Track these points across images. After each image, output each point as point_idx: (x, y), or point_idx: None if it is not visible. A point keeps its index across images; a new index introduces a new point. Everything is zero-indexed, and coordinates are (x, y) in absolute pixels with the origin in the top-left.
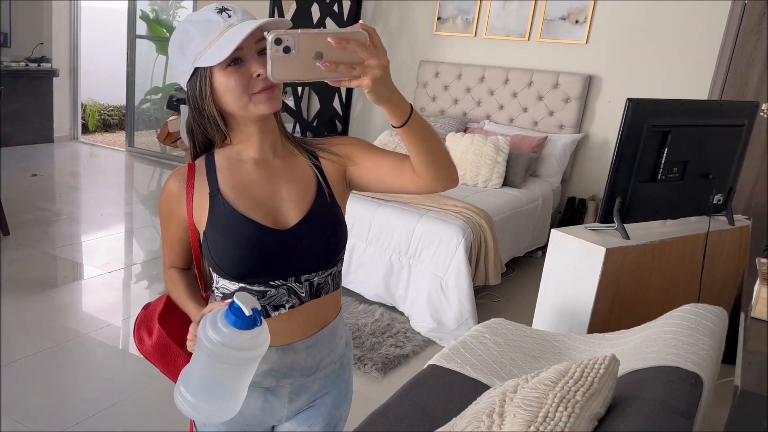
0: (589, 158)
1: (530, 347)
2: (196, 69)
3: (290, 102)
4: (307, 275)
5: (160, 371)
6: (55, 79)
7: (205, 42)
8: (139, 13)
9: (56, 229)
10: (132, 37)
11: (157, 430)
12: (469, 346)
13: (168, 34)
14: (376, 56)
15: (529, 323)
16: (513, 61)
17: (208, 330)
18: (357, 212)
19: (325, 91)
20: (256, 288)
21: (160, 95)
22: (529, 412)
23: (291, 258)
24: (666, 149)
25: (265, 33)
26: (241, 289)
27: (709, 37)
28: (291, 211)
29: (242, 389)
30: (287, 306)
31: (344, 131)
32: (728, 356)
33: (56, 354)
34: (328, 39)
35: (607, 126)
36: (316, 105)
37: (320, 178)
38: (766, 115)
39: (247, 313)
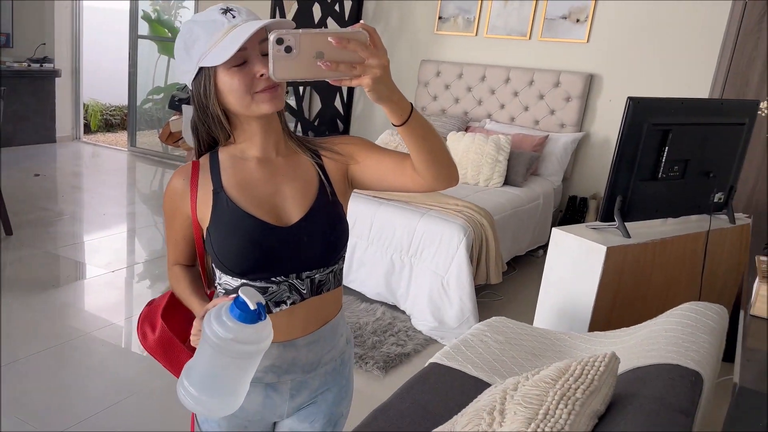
0: (590, 157)
1: (531, 345)
2: (201, 68)
3: (292, 101)
4: (308, 272)
5: (162, 366)
6: (57, 79)
7: (209, 42)
8: (140, 13)
9: (59, 229)
10: (134, 37)
11: (159, 428)
12: (470, 345)
13: (170, 35)
14: (377, 56)
15: (530, 321)
16: (514, 60)
17: (213, 324)
18: (358, 211)
19: (327, 91)
20: (257, 284)
21: (162, 95)
22: (530, 409)
23: (292, 255)
24: (667, 148)
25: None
26: (243, 285)
27: (710, 36)
28: (293, 208)
29: (245, 384)
30: (288, 302)
31: (345, 130)
32: (729, 354)
33: (59, 353)
34: (329, 39)
35: (607, 125)
36: (317, 104)
37: (322, 177)
38: (765, 114)
39: (251, 307)
